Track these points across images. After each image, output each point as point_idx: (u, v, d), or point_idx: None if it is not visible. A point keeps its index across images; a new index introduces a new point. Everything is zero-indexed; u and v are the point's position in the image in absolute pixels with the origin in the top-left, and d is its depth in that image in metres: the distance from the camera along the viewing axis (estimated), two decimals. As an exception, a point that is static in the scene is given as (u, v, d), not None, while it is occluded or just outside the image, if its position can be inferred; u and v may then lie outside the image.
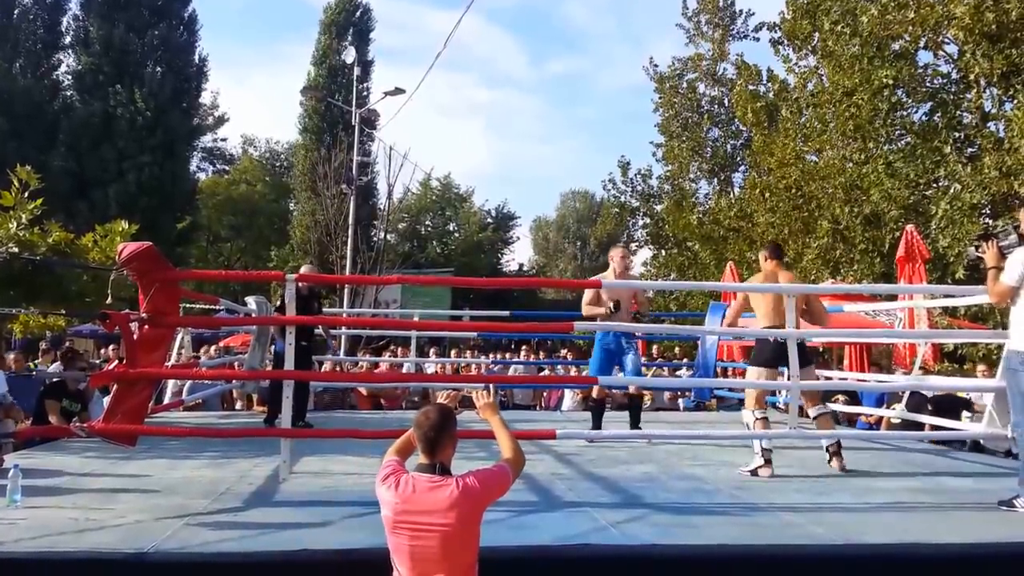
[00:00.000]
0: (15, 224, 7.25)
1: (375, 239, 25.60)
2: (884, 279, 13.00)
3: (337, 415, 8.93)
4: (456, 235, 35.55)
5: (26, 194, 7.45)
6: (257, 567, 2.42)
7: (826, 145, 15.29)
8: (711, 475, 5.31)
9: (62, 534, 3.52)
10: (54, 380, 7.19)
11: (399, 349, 11.83)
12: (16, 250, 6.95)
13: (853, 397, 8.47)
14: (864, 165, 14.01)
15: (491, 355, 14.56)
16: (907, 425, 6.90)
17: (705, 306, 12.31)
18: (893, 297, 8.41)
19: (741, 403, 10.11)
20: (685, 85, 22.81)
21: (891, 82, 13.47)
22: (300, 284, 6.94)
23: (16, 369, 8.28)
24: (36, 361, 11.20)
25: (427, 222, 35.63)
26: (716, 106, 22.85)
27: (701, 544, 3.60)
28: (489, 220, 35.93)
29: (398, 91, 19.90)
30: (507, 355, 14.50)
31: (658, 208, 22.59)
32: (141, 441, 5.04)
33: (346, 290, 21.07)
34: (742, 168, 22.57)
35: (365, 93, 27.30)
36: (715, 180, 23.16)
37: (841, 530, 3.84)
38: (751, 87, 18.85)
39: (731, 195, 21.58)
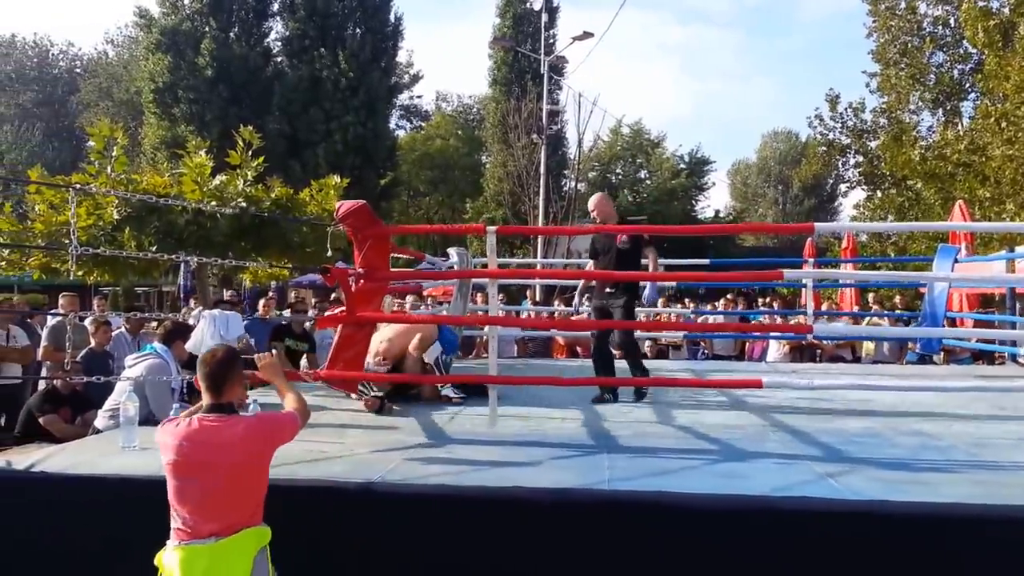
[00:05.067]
0: (242, 181, 7.97)
1: (566, 188, 25.67)
2: None
3: (534, 362, 9.10)
4: (648, 183, 34.82)
5: (249, 153, 8.16)
6: (474, 501, 2.50)
7: (1076, 64, 13.38)
8: (943, 431, 4.85)
9: (299, 463, 3.84)
10: (281, 323, 7.88)
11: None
12: (244, 204, 7.64)
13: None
14: None
15: (689, 305, 14.23)
16: None
17: (930, 251, 11.26)
18: None
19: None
20: (904, 5, 20.87)
21: None
22: (623, 238, 6.25)
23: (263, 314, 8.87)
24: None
25: (618, 170, 35.16)
26: (940, 27, 20.78)
27: (939, 502, 3.27)
28: (682, 166, 34.82)
29: (586, 35, 19.62)
30: (707, 305, 14.08)
31: (872, 145, 20.98)
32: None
33: (539, 240, 21.39)
34: (972, 95, 20.46)
35: (552, 40, 27.17)
36: (940, 111, 21.17)
37: (1104, 492, 3.38)
38: (982, 3, 16.85)
39: (959, 127, 19.51)
